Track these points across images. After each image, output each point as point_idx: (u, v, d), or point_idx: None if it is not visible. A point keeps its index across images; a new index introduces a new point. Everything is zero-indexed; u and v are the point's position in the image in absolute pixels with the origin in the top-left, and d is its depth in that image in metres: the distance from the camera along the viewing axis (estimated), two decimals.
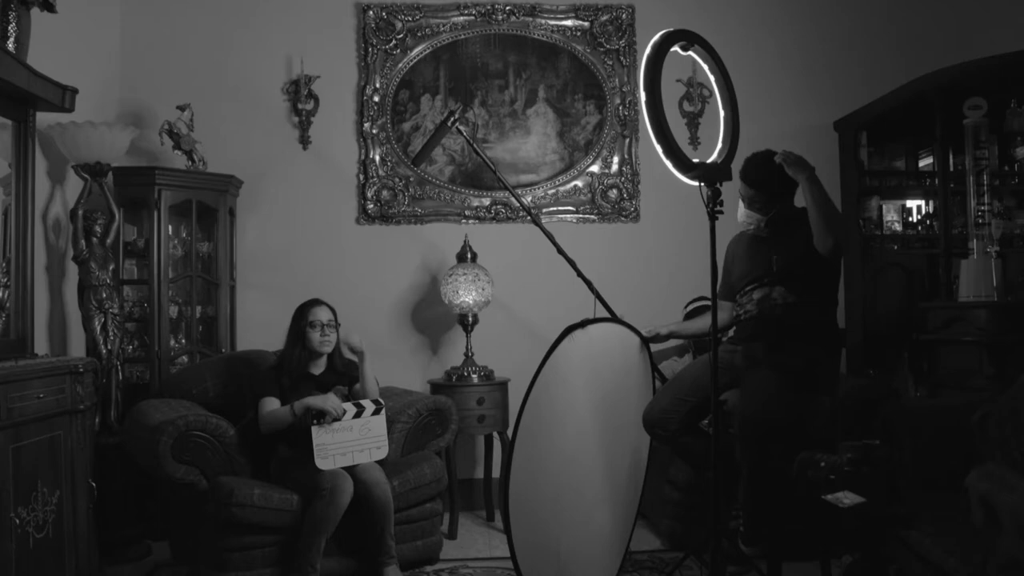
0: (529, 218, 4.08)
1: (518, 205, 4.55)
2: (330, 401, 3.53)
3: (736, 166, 3.16)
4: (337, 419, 3.49)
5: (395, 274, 4.92)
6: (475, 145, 4.17)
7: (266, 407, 3.60)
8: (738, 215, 3.42)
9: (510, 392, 4.41)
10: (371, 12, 4.92)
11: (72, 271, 4.04)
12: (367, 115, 4.91)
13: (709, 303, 4.14)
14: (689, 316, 4.42)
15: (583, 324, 3.20)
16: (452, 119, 4.03)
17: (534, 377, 3.06)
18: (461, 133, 4.12)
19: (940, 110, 4.34)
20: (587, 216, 5.00)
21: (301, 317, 3.75)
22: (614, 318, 3.54)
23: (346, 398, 3.75)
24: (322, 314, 3.74)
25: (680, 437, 3.34)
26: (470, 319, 4.53)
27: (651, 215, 5.00)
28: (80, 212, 3.93)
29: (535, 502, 3.11)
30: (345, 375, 3.82)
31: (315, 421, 3.47)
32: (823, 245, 3.12)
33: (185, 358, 4.46)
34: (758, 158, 3.31)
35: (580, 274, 3.84)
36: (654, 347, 3.59)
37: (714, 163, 3.10)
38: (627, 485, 3.49)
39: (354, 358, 3.79)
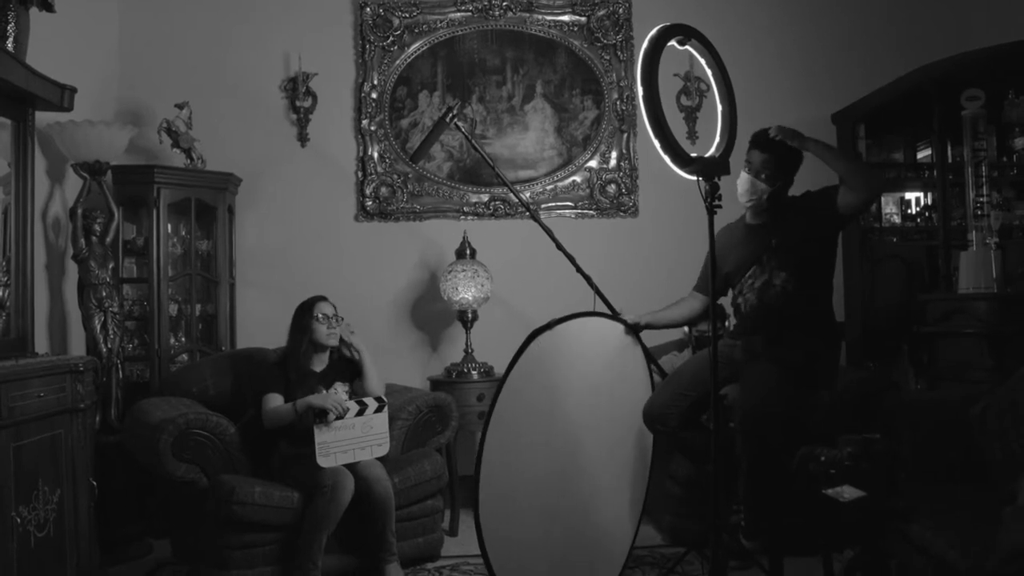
0: (528, 214, 4.08)
1: (517, 201, 4.55)
2: (331, 400, 3.53)
3: (735, 160, 3.15)
4: (340, 418, 3.49)
5: (394, 271, 4.92)
6: (473, 141, 4.16)
7: (269, 403, 3.60)
8: (739, 188, 3.34)
9: None
10: (368, 9, 4.91)
11: (72, 270, 4.04)
12: (365, 112, 4.91)
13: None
14: None
15: (549, 326, 3.18)
16: (451, 115, 4.02)
17: (501, 381, 3.07)
18: (460, 129, 4.11)
19: (938, 102, 4.34)
20: (586, 211, 5.00)
21: (306, 312, 3.75)
22: (598, 312, 3.52)
23: (348, 394, 3.76)
24: (327, 308, 3.76)
25: (680, 432, 3.34)
26: (469, 315, 4.54)
27: (650, 210, 5.00)
28: (79, 211, 3.93)
29: (516, 503, 3.11)
30: (347, 371, 3.82)
31: (317, 420, 3.47)
32: (860, 191, 3.08)
33: (185, 356, 4.46)
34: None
35: (579, 269, 3.84)
36: (653, 342, 3.58)
37: (712, 157, 3.09)
38: (631, 478, 3.49)
39: (355, 356, 3.81)
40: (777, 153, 3.26)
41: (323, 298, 3.80)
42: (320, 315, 3.72)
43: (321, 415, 3.47)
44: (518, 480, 3.11)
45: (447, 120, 4.02)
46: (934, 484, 2.89)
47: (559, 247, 3.87)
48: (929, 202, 4.99)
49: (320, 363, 3.79)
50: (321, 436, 3.45)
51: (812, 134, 3.23)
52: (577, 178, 5.00)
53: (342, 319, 3.80)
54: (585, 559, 3.32)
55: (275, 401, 3.61)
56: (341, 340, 3.79)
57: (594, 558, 3.37)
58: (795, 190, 3.38)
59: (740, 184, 3.33)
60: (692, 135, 5.01)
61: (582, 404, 3.28)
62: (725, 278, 3.44)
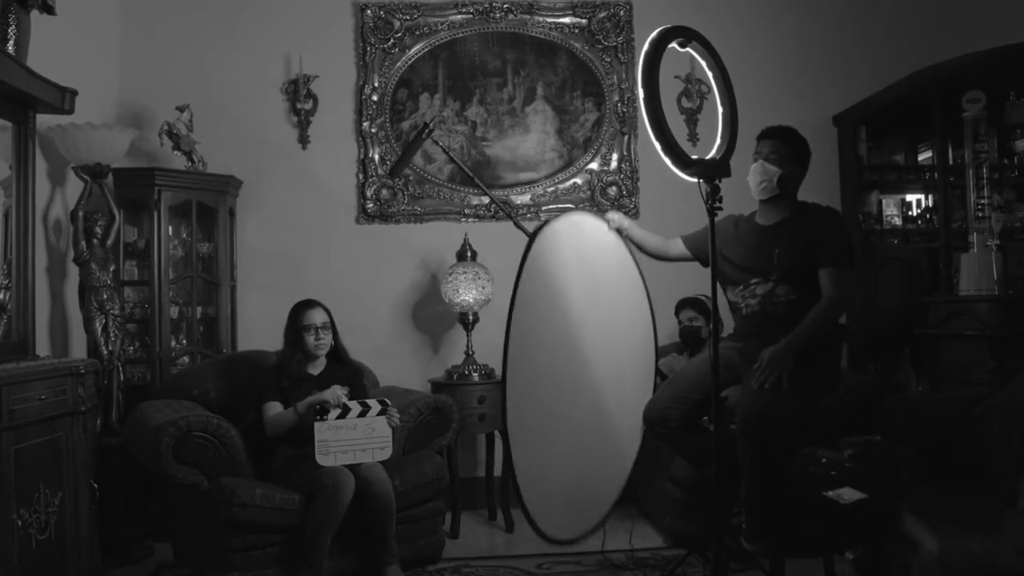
0: (524, 216, 4.07)
1: (519, 203, 4.61)
2: (329, 392, 3.53)
3: (736, 163, 3.15)
4: (341, 415, 3.48)
5: (395, 273, 4.92)
6: (452, 154, 4.23)
7: (270, 411, 3.60)
8: (751, 181, 3.31)
9: None
10: (369, 11, 4.91)
11: (73, 272, 4.04)
12: (366, 114, 4.91)
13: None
14: (678, 307, 4.44)
15: (546, 223, 3.49)
16: (426, 131, 4.00)
17: (513, 290, 3.25)
18: (437, 143, 4.11)
19: (939, 104, 4.34)
20: None
21: (296, 320, 3.75)
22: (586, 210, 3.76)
23: (347, 396, 3.75)
24: (316, 317, 3.73)
25: (681, 433, 3.34)
26: (470, 318, 4.53)
27: (651, 212, 4.99)
28: (80, 213, 3.93)
29: (530, 433, 3.34)
30: (344, 379, 3.80)
31: (318, 416, 3.46)
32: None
33: (186, 359, 4.46)
34: None
35: (518, 225, 3.86)
36: None
37: (713, 159, 3.10)
38: (631, 375, 3.68)
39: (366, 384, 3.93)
40: (785, 140, 3.29)
41: (313, 304, 3.77)
42: (308, 325, 3.72)
43: (322, 409, 3.46)
44: (530, 410, 3.34)
45: (423, 136, 4.01)
46: (935, 486, 2.89)
47: (519, 227, 3.85)
48: (930, 204, 4.99)
49: (316, 367, 3.78)
50: (321, 434, 3.43)
51: (813, 136, 3.23)
52: (578, 180, 5.00)
53: (335, 325, 3.80)
54: (588, 487, 3.54)
55: (275, 409, 3.61)
56: (341, 345, 3.81)
57: (595, 487, 3.59)
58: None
59: (752, 175, 3.31)
60: (693, 137, 5.01)
61: (584, 304, 3.50)
62: (724, 275, 3.42)
